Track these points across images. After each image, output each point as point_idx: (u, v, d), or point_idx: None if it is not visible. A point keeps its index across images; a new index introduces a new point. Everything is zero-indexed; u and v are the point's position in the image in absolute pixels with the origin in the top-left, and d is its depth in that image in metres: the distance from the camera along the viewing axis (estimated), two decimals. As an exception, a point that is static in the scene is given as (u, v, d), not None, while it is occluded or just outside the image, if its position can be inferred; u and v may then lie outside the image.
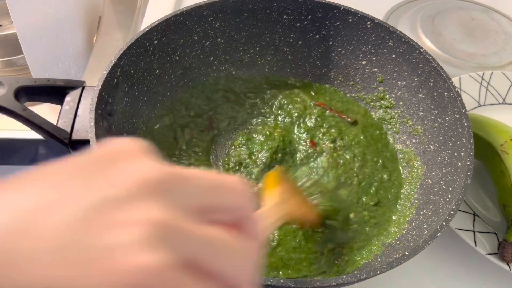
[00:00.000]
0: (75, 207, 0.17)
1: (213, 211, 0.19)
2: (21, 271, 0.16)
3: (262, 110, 0.63)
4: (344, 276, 0.38)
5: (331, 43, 0.64)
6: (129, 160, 0.19)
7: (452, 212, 0.43)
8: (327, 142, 0.60)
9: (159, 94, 0.59)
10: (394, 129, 0.61)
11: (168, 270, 0.16)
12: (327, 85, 0.66)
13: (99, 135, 0.45)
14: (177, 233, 0.17)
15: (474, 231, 0.52)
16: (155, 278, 0.16)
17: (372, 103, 0.64)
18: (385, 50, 0.60)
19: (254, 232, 0.21)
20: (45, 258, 0.16)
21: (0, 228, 0.17)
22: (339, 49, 0.64)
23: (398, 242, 0.50)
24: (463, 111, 0.51)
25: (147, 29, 0.55)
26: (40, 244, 0.16)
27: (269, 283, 0.36)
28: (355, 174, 0.57)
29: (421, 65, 0.57)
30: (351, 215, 0.54)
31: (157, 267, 0.16)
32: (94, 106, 0.46)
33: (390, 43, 0.60)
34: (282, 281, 0.37)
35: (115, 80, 0.50)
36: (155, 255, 0.16)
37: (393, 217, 0.54)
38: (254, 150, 0.58)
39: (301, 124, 0.62)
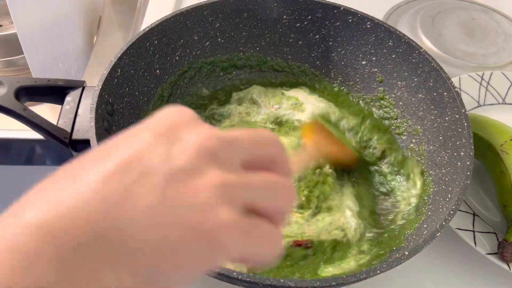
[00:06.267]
0: (156, 177, 0.20)
1: (254, 161, 0.24)
2: (122, 237, 0.19)
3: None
4: (344, 276, 0.38)
5: (331, 43, 0.64)
6: (185, 130, 0.23)
7: (451, 212, 0.43)
8: None
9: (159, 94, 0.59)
10: (394, 129, 0.61)
11: (236, 220, 0.21)
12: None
13: (99, 135, 0.45)
14: (234, 189, 0.22)
15: (474, 231, 0.52)
16: (229, 229, 0.21)
17: (372, 103, 0.64)
18: (385, 50, 0.61)
19: (287, 171, 0.26)
20: (143, 221, 0.20)
21: (97, 197, 0.19)
22: (339, 49, 0.64)
23: (398, 242, 0.50)
24: (463, 111, 0.51)
25: (147, 29, 0.55)
26: (135, 210, 0.20)
27: (269, 283, 0.36)
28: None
29: (420, 65, 0.57)
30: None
31: (228, 221, 0.21)
32: (95, 106, 0.46)
33: (390, 43, 0.60)
34: (282, 281, 0.37)
35: (116, 80, 0.51)
36: (225, 212, 0.21)
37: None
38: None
39: None
